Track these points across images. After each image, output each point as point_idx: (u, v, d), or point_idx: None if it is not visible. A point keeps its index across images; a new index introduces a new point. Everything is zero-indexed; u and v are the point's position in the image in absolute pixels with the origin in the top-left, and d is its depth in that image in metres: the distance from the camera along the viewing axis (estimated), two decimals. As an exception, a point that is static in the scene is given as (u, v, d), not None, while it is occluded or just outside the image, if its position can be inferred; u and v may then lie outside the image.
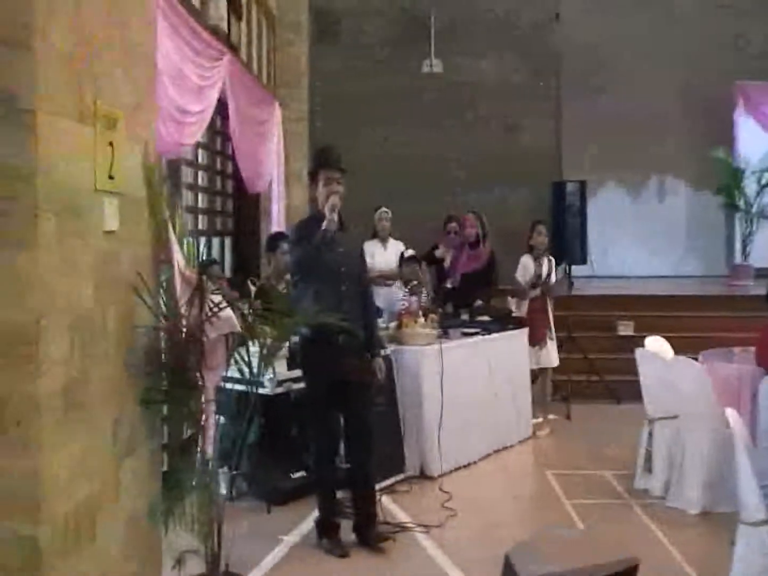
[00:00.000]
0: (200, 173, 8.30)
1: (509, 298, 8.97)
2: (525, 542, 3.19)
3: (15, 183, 2.83)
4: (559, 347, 9.85)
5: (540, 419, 8.66)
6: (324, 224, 5.30)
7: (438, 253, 9.32)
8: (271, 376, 5.52)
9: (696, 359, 6.58)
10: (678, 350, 7.10)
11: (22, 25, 2.81)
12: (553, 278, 8.72)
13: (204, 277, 3.82)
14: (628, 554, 3.02)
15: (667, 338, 7.42)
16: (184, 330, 3.79)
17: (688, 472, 6.30)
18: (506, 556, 2.94)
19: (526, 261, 8.67)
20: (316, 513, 5.73)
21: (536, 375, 8.69)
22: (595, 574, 2.90)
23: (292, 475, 6.48)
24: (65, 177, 3.04)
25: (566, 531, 4.98)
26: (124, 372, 3.64)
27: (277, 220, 9.41)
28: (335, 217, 5.35)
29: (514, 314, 8.58)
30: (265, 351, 4.10)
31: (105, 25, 3.43)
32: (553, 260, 8.82)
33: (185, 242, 3.98)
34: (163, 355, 3.86)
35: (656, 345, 7.21)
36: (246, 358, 4.01)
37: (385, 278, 8.57)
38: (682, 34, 14.20)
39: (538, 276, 8.56)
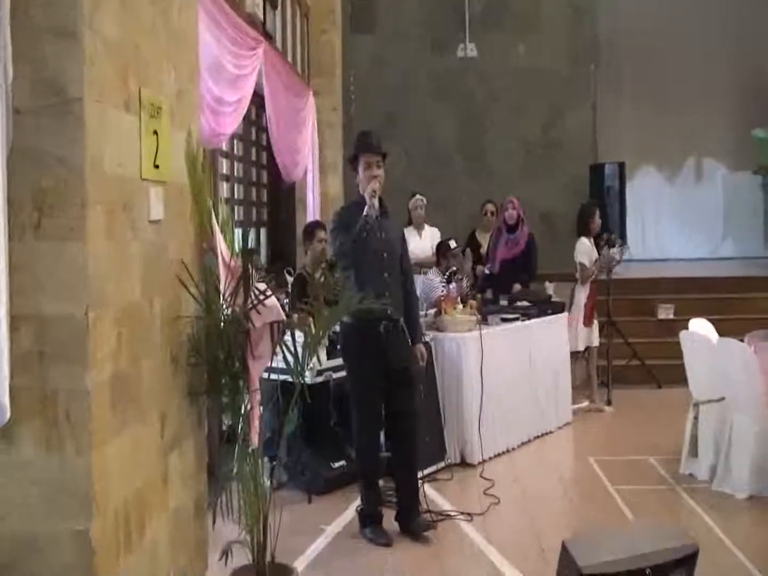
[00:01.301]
0: (236, 164, 8.29)
1: (547, 283, 8.91)
2: (583, 533, 3.13)
3: (64, 173, 2.81)
4: (600, 331, 9.83)
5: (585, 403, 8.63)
6: (365, 210, 5.27)
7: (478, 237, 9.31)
8: (311, 365, 5.49)
9: (741, 341, 6.48)
10: (721, 333, 7.00)
11: (68, 14, 2.79)
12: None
13: (249, 266, 3.78)
14: (687, 540, 2.96)
15: (710, 321, 7.33)
16: (229, 319, 3.77)
17: (735, 455, 6.20)
18: (563, 544, 2.89)
19: (585, 243, 8.67)
20: (358, 502, 5.70)
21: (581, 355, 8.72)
22: (654, 561, 2.84)
23: (332, 464, 6.46)
24: (112, 166, 3.02)
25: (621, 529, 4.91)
26: (170, 364, 3.63)
27: (312, 210, 9.38)
28: (376, 203, 5.30)
29: (552, 298, 8.52)
30: (309, 339, 4.06)
31: (149, 13, 3.41)
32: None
33: (228, 231, 3.95)
34: (208, 346, 3.82)
35: (701, 327, 7.12)
36: (293, 348, 3.97)
37: (421, 266, 8.52)
38: (722, 14, 14.01)
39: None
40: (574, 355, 8.64)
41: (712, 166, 14.71)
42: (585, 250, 8.65)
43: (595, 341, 8.80)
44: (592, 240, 8.68)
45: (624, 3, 13.61)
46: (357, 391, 5.53)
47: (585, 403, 8.64)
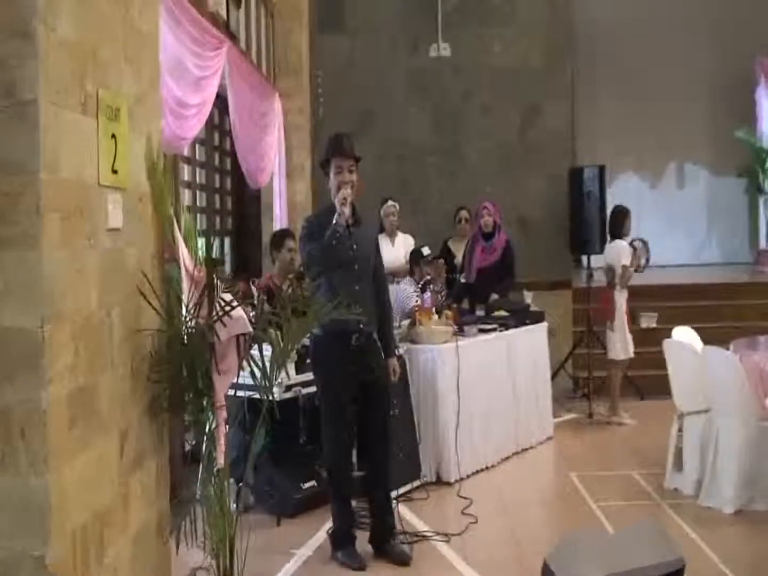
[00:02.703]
0: (198, 170, 8.26)
1: (525, 291, 8.95)
2: (563, 545, 3.14)
3: (19, 179, 2.78)
4: (579, 340, 9.88)
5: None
6: (335, 218, 5.26)
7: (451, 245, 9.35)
8: (279, 380, 5.47)
9: (727, 350, 6.53)
10: (706, 341, 7.05)
11: (22, 12, 2.77)
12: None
13: (214, 276, 3.77)
14: (673, 555, 2.97)
15: (694, 329, 7.39)
16: (193, 332, 3.75)
17: (721, 468, 6.26)
18: (545, 561, 2.90)
19: (624, 246, 8.85)
20: (329, 524, 5.70)
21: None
22: (639, 579, 2.86)
23: (302, 485, 6.44)
24: (69, 172, 3.00)
25: (604, 532, 4.94)
26: (131, 379, 3.61)
27: (280, 218, 9.35)
28: (347, 210, 5.28)
29: (531, 307, 8.56)
30: (277, 353, 4.05)
31: (108, 12, 3.40)
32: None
33: (191, 239, 3.94)
34: (170, 360, 3.81)
35: (685, 336, 7.18)
36: (260, 362, 3.96)
37: (394, 275, 8.52)
38: (701, 12, 14.16)
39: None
40: (619, 364, 8.77)
41: (695, 169, 14.87)
42: (625, 252, 8.77)
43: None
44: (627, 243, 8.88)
45: (602, 1, 13.77)
46: (328, 407, 5.52)
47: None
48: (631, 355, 8.78)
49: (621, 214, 8.97)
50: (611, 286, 8.78)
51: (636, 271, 8.80)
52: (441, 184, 10.70)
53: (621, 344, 8.72)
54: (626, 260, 8.73)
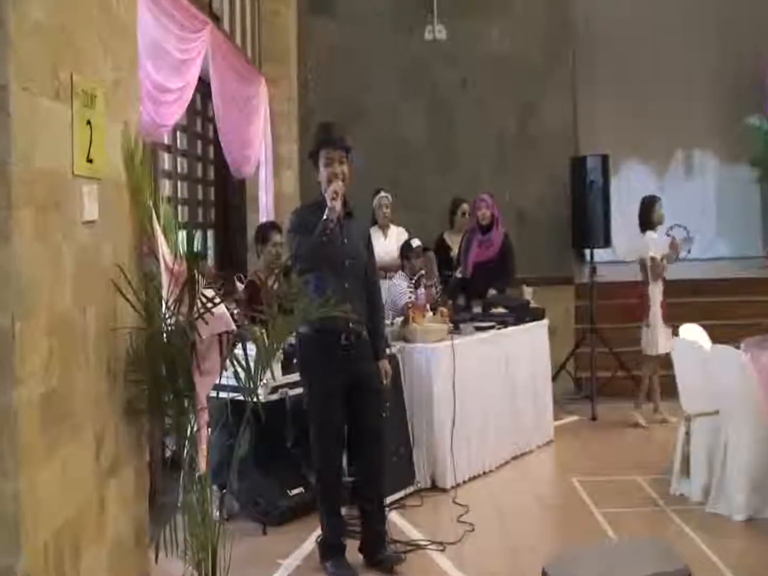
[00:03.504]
0: (179, 159, 8.24)
1: (524, 287, 8.96)
2: (563, 555, 3.15)
3: (-12, 169, 2.79)
4: (582, 338, 9.87)
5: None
6: (325, 213, 5.24)
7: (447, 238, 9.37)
8: (265, 381, 5.47)
9: (736, 348, 6.54)
10: (714, 340, 7.07)
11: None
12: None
13: (195, 271, 3.77)
14: (678, 564, 2.98)
15: (703, 327, 7.40)
16: (173, 330, 3.75)
17: (730, 474, 6.27)
18: (543, 571, 2.91)
19: (654, 237, 8.87)
20: (318, 533, 5.69)
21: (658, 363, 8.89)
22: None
23: (289, 491, 6.45)
24: (42, 161, 3.00)
25: (607, 541, 4.95)
26: (107, 380, 3.61)
27: (265, 210, 9.34)
28: (337, 205, 5.26)
29: (531, 304, 8.57)
30: (262, 352, 4.05)
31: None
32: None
33: (171, 232, 3.93)
34: (149, 360, 3.81)
35: (692, 334, 7.19)
36: (244, 362, 3.96)
37: (386, 270, 8.52)
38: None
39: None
40: (654, 360, 8.79)
41: (703, 158, 14.83)
42: (651, 243, 8.81)
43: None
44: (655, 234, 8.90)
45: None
46: (316, 409, 5.52)
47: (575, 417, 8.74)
48: (668, 350, 8.72)
49: (646, 203, 9.00)
50: (644, 281, 8.79)
51: (677, 260, 8.80)
52: (435, 178, 10.69)
53: (656, 339, 8.70)
54: (654, 252, 8.74)
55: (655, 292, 8.78)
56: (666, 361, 8.46)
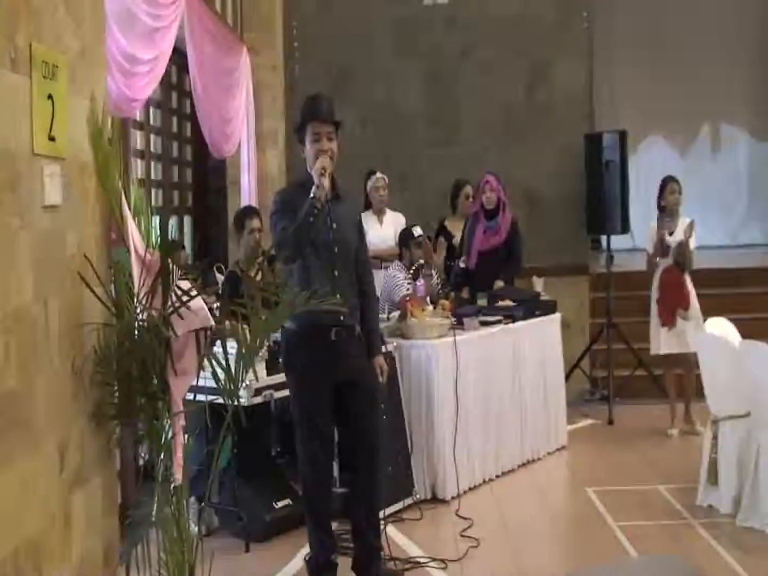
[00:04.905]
0: (152, 137, 8.24)
1: (535, 278, 8.96)
2: (578, 573, 3.13)
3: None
4: (598, 334, 9.85)
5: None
6: (312, 191, 5.22)
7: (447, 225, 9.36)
8: (247, 382, 5.46)
9: (770, 344, 6.55)
10: (744, 335, 7.07)
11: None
12: (692, 244, 8.73)
13: (170, 260, 3.76)
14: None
15: (732, 320, 7.39)
16: (145, 326, 3.74)
17: (764, 482, 6.26)
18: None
19: (653, 225, 8.89)
20: (306, 550, 5.70)
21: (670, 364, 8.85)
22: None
23: (274, 504, 6.45)
24: (-4, 139, 2.99)
25: (626, 558, 4.93)
26: (72, 381, 3.60)
27: (247, 193, 9.33)
28: (326, 182, 5.25)
29: (542, 296, 8.57)
30: (244, 351, 4.04)
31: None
32: (692, 222, 8.80)
33: (144, 218, 3.92)
34: (119, 359, 3.80)
35: (720, 328, 7.18)
36: (224, 361, 3.95)
37: (382, 259, 8.52)
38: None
39: (663, 242, 8.74)
40: (664, 359, 8.79)
41: (733, 133, 14.83)
42: (649, 231, 8.90)
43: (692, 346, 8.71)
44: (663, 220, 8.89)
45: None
46: (303, 413, 5.50)
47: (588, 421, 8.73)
48: (671, 350, 8.71)
49: (660, 185, 9.04)
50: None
51: (665, 254, 8.76)
52: (433, 154, 10.66)
53: (654, 337, 8.73)
54: (650, 242, 8.80)
55: (652, 288, 8.79)
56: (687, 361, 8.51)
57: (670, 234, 8.72)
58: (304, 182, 5.42)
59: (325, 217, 5.28)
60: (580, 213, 10.41)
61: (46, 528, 3.35)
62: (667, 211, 8.86)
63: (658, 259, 8.77)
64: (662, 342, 8.71)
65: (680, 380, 8.87)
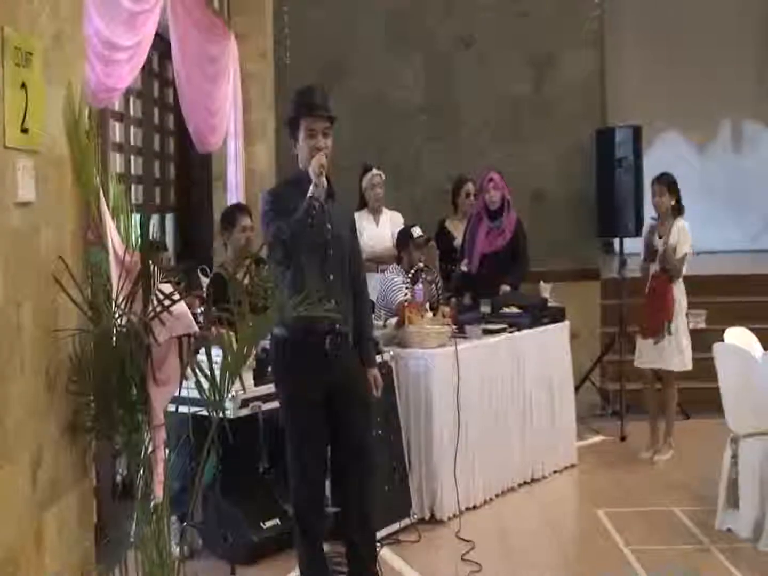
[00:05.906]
0: (133, 129, 8.24)
1: (542, 283, 8.96)
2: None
3: None
4: (610, 344, 9.84)
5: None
6: (310, 191, 5.20)
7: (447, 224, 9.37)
8: (233, 393, 5.46)
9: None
10: (766, 346, 7.08)
11: None
12: (681, 250, 8.57)
13: (151, 262, 3.76)
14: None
15: (751, 330, 7.40)
16: (125, 332, 3.74)
17: (787, 505, 6.29)
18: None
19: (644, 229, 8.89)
20: (296, 573, 5.69)
21: (651, 379, 8.84)
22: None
23: (262, 524, 6.45)
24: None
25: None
26: (45, 391, 3.60)
27: (234, 190, 9.33)
28: (324, 181, 5.24)
29: (549, 303, 8.57)
30: (230, 359, 4.04)
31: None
32: (683, 225, 8.66)
33: (123, 216, 3.92)
34: (96, 367, 3.80)
35: (740, 338, 7.18)
36: (208, 370, 3.95)
37: (378, 262, 8.52)
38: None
39: (650, 246, 8.71)
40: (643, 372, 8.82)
41: (755, 129, 14.82)
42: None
43: (673, 364, 8.74)
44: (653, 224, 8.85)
45: None
46: (294, 426, 5.50)
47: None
48: (652, 366, 8.71)
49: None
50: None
51: (652, 259, 8.72)
52: (430, 150, 10.67)
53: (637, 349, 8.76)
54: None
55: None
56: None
57: (660, 237, 8.65)
58: (297, 180, 5.40)
59: (322, 217, 5.28)
60: (590, 213, 10.42)
61: (17, 547, 3.35)
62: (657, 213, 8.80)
63: (650, 264, 8.71)
64: (643, 354, 8.69)
65: (660, 396, 8.87)
